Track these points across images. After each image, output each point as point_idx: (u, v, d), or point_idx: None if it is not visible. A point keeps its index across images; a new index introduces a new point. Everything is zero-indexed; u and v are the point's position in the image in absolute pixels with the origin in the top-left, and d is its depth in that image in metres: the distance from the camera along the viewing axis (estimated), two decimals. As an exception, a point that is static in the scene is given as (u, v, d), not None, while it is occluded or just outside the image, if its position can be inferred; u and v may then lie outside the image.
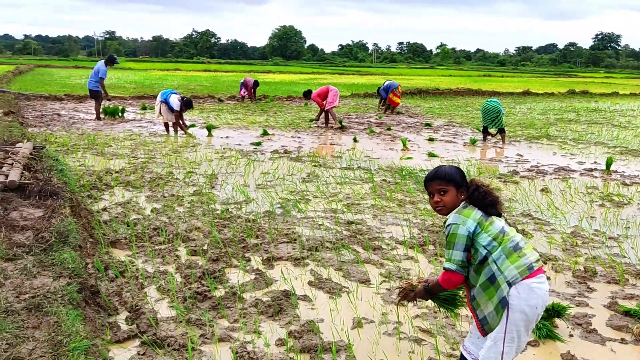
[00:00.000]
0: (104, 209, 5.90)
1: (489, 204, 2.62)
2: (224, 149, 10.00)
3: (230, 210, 6.04)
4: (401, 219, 5.86)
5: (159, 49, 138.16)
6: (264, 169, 8.29)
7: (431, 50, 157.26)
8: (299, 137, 11.68)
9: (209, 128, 11.65)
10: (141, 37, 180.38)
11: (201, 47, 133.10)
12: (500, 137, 11.43)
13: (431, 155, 9.80)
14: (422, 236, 5.28)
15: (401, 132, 12.77)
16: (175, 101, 11.19)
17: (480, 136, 12.27)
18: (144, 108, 16.09)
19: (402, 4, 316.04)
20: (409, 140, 11.30)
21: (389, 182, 7.60)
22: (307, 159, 9.23)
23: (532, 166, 8.96)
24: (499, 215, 2.67)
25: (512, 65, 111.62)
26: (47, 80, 28.45)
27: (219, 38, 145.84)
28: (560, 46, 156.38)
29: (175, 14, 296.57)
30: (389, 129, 13.08)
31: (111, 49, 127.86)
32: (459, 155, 9.83)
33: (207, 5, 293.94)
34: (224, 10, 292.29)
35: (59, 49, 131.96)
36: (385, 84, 17.33)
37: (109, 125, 12.64)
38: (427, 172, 8.27)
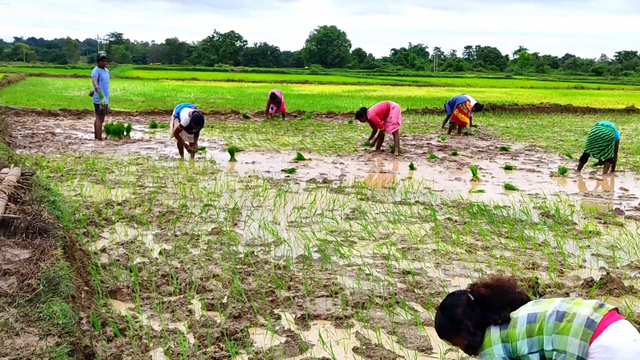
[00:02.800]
0: (103, 250, 5.99)
1: (497, 308, 2.75)
2: (249, 176, 10.08)
3: (256, 254, 6.04)
4: (471, 269, 5.74)
5: (173, 54, 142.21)
6: (297, 203, 8.30)
7: (507, 55, 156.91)
8: (342, 163, 11.69)
9: (232, 151, 11.80)
10: (152, 41, 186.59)
11: (224, 52, 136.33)
12: (602, 166, 11.18)
13: (509, 187, 9.64)
14: (499, 292, 5.13)
15: (470, 159, 12.64)
16: (185, 115, 11.43)
17: (571, 164, 12.03)
18: (153, 126, 16.47)
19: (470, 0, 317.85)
20: (480, 169, 11.16)
21: (456, 221, 7.48)
22: (352, 190, 9.21)
23: (640, 204, 8.70)
24: (522, 301, 2.79)
25: (610, 75, 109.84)
26: (40, 91, 29.57)
27: (246, 41, 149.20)
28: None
29: (192, 13, 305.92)
30: (454, 154, 12.97)
31: (116, 54, 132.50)
32: (544, 189, 9.63)
33: (231, 3, 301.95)
34: (250, 8, 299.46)
35: (56, 54, 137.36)
36: (452, 98, 17.27)
37: (111, 146, 12.96)
38: (503, 210, 8.18)
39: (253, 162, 11.54)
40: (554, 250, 6.35)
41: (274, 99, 19.31)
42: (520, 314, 2.66)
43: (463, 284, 5.35)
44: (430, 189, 9.42)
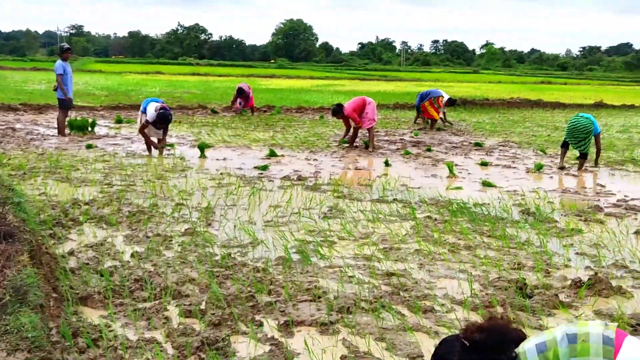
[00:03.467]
0: (71, 253, 5.74)
1: (499, 349, 2.52)
2: (221, 174, 9.86)
3: (233, 255, 5.84)
4: (456, 269, 5.63)
5: (136, 48, 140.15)
6: (273, 201, 8.11)
7: (474, 50, 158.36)
8: (315, 160, 11.53)
9: (202, 147, 11.55)
10: (114, 33, 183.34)
11: (188, 46, 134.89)
12: (577, 162, 11.22)
13: (486, 184, 9.58)
14: (486, 294, 5.03)
15: (445, 154, 12.59)
16: (151, 111, 11.15)
17: (545, 159, 12.06)
18: (119, 121, 16.09)
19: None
20: (456, 165, 11.10)
21: (436, 219, 7.38)
22: (328, 187, 9.05)
23: (618, 200, 8.71)
24: (520, 338, 2.57)
25: (576, 70, 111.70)
26: (-2, 85, 28.77)
27: (211, 34, 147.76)
28: (637, 46, 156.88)
29: (155, 6, 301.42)
30: (429, 150, 12.91)
31: (77, 47, 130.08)
32: (522, 185, 9.60)
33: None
34: (215, 1, 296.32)
35: (14, 46, 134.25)
36: (427, 90, 17.18)
37: (75, 142, 12.59)
38: (482, 207, 8.11)
39: (224, 159, 11.30)
40: (538, 250, 6.28)
41: (241, 93, 19.05)
42: (527, 347, 2.48)
43: (450, 286, 5.24)
44: (408, 186, 9.31)
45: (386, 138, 14.78)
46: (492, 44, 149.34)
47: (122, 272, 5.28)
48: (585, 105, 25.63)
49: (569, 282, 5.28)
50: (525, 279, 5.27)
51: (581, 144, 10.90)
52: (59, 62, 13.22)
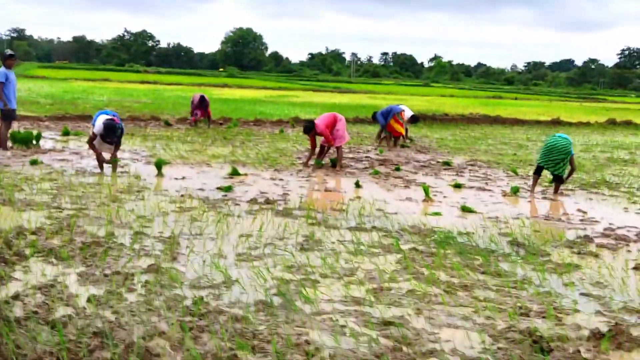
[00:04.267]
0: (16, 297, 4.93)
1: None
2: (182, 195, 9.10)
3: (205, 299, 5.13)
4: (458, 315, 5.05)
5: (81, 53, 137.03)
6: (242, 229, 7.42)
7: (422, 63, 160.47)
8: (282, 180, 10.87)
9: (159, 165, 10.74)
10: (58, 37, 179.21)
11: (135, 52, 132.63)
12: (553, 185, 10.86)
13: (466, 209, 9.09)
14: (499, 348, 4.47)
15: (415, 174, 12.10)
16: (99, 123, 10.36)
17: (518, 181, 11.69)
18: (66, 133, 15.08)
19: (387, 6, 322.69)
20: (430, 187, 10.59)
21: (422, 251, 6.82)
22: (300, 213, 8.41)
23: (605, 229, 8.31)
24: None
25: (522, 84, 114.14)
26: None
27: (158, 41, 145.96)
28: (578, 62, 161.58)
29: (100, 10, 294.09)
30: (397, 169, 12.39)
31: (19, 51, 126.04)
32: (504, 211, 9.15)
33: (142, 1, 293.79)
34: (163, 8, 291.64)
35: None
36: (386, 107, 16.80)
37: (19, 157, 11.59)
38: (466, 236, 7.61)
39: (183, 178, 10.52)
40: (539, 290, 5.76)
41: (202, 103, 18.24)
42: None
43: (456, 337, 4.65)
44: (384, 212, 8.74)
45: (351, 155, 14.22)
46: (441, 57, 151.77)
47: (77, 322, 4.52)
48: (542, 122, 25.68)
49: (586, 333, 4.76)
50: (537, 329, 4.73)
51: (558, 166, 10.52)
52: (1, 69, 12.21)
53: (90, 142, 10.57)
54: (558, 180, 10.69)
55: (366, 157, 14.21)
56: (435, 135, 19.44)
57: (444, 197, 10.08)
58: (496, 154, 15.69)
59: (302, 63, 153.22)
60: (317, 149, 12.56)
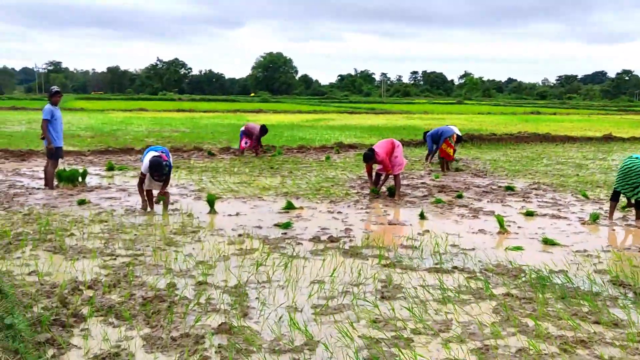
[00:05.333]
0: (78, 371, 4.32)
1: None
2: (239, 235, 8.47)
3: (292, 368, 4.45)
4: (588, 383, 4.29)
5: (115, 83, 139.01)
6: (312, 274, 6.75)
7: (452, 80, 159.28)
8: (340, 212, 10.18)
9: (211, 201, 10.14)
10: (93, 69, 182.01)
11: (168, 80, 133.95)
12: (631, 209, 9.99)
13: (548, 242, 8.28)
14: None
15: (479, 201, 11.31)
16: (145, 161, 9.85)
17: (593, 206, 10.83)
18: (110, 168, 14.64)
19: (410, 25, 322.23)
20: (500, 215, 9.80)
21: (518, 297, 6.05)
22: (369, 252, 7.71)
23: None
24: None
25: (555, 99, 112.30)
26: (-24, 127, 27.16)
27: (190, 69, 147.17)
28: (611, 74, 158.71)
29: (132, 41, 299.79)
30: (459, 197, 11.62)
31: (56, 84, 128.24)
32: (590, 242, 8.33)
33: (171, 31, 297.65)
34: (191, 36, 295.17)
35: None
36: (435, 130, 16.08)
37: (65, 197, 11.12)
38: (559, 275, 6.84)
39: (237, 214, 9.91)
40: (670, 344, 4.96)
41: (263, 133, 18.00)
42: None
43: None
44: (460, 248, 7.99)
45: (406, 182, 13.47)
46: (471, 74, 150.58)
47: (151, 404, 3.87)
48: (594, 139, 24.62)
49: None
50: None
51: (638, 190, 9.63)
52: (47, 106, 11.80)
53: (140, 184, 10.05)
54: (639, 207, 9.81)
55: (422, 183, 13.46)
56: (486, 157, 18.59)
57: (519, 227, 9.27)
58: (557, 175, 14.79)
59: (331, 85, 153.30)
60: (383, 176, 11.83)
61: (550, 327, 5.30)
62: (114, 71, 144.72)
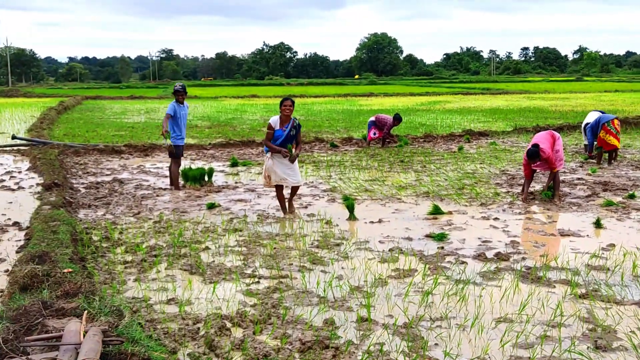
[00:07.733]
0: None
1: None
2: (390, 250, 7.38)
3: None
4: None
5: (224, 69, 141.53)
6: (495, 307, 5.57)
7: (566, 56, 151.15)
8: (497, 219, 8.89)
9: (351, 207, 9.12)
10: (202, 55, 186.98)
11: (274, 64, 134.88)
12: None
13: None
14: None
15: (657, 204, 9.66)
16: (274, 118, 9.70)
17: None
18: (234, 164, 13.96)
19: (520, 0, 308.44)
20: (694, 225, 8.20)
21: None
22: (553, 276, 6.42)
23: None
24: None
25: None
26: (98, 118, 27.65)
27: (296, 52, 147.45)
28: None
29: (239, 26, 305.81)
30: (631, 197, 10.01)
31: (167, 71, 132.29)
32: None
33: (277, 14, 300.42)
34: (296, 18, 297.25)
35: (109, 72, 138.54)
36: (589, 115, 14.31)
37: (193, 199, 10.44)
38: None
39: (379, 221, 8.84)
40: None
41: (397, 122, 16.78)
42: None
43: None
44: (665, 270, 6.54)
45: (560, 178, 11.92)
46: (587, 48, 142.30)
47: None
48: None
49: None
50: None
51: None
52: (172, 103, 11.14)
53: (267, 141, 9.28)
54: None
55: (578, 179, 11.87)
56: (638, 143, 16.56)
57: None
58: None
59: (437, 64, 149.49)
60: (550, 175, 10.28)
61: None
62: (222, 57, 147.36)
